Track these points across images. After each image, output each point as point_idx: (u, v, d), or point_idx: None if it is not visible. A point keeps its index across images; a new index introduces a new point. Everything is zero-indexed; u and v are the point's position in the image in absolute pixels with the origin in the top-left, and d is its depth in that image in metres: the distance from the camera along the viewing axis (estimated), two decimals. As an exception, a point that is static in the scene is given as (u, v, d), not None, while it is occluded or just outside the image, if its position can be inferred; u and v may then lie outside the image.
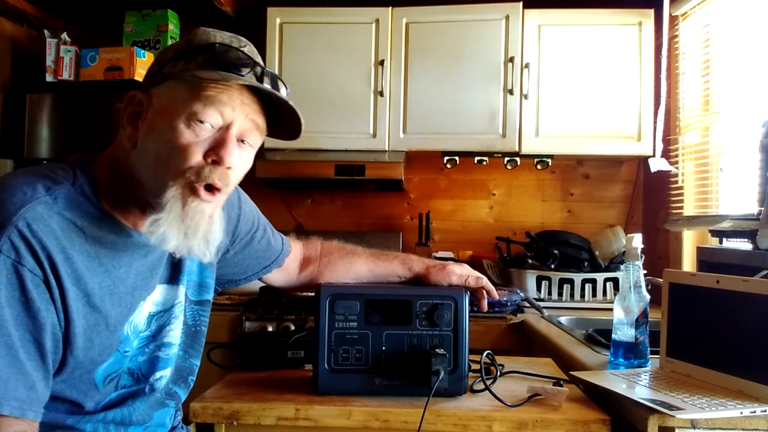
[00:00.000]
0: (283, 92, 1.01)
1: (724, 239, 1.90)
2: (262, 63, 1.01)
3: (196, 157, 0.93)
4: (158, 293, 1.08)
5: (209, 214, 0.97)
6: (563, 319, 2.15)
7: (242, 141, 0.99)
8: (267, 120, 1.02)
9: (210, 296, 1.21)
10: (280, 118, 1.03)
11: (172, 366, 1.12)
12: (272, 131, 1.05)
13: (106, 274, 0.97)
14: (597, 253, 2.57)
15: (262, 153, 2.66)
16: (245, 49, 0.99)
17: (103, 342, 0.98)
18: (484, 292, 1.33)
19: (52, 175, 0.95)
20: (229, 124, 0.95)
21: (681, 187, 2.56)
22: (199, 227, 0.96)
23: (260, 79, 0.98)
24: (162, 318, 1.10)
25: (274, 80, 1.00)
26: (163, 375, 1.11)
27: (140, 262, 1.03)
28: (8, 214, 0.87)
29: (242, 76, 0.95)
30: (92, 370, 0.99)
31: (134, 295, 1.03)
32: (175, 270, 1.11)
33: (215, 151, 0.94)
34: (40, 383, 0.90)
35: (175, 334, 1.12)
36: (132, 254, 1.01)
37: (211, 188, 0.95)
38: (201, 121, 0.93)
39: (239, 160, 0.98)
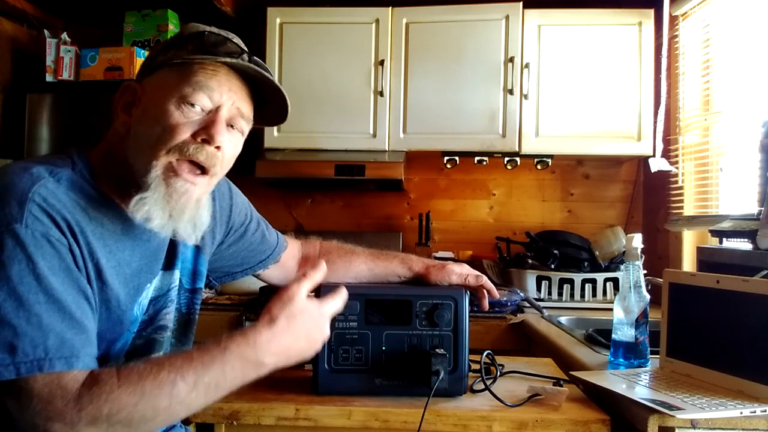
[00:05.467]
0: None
1: (724, 239, 1.90)
2: (249, 52, 1.03)
3: (183, 135, 0.96)
4: (157, 278, 1.11)
5: (196, 197, 1.00)
6: (563, 319, 2.15)
7: (231, 126, 1.02)
8: (255, 107, 1.05)
9: (202, 284, 1.23)
10: (268, 105, 1.07)
11: (166, 350, 1.15)
12: (260, 118, 1.09)
13: (111, 255, 0.99)
14: (597, 253, 2.57)
15: (262, 153, 2.67)
16: (234, 40, 1.02)
17: (115, 319, 1.01)
18: (485, 292, 1.34)
19: (51, 161, 0.98)
20: (219, 106, 0.99)
21: (681, 187, 2.56)
22: (184, 210, 0.98)
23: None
24: (159, 302, 1.12)
25: (262, 67, 1.03)
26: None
27: (143, 246, 1.05)
28: (22, 192, 0.89)
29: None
30: (105, 348, 1.01)
31: (140, 277, 1.05)
32: (170, 255, 1.13)
33: (205, 131, 0.97)
34: (95, 337, 0.94)
35: (169, 317, 1.14)
36: (134, 239, 1.03)
37: (202, 169, 0.98)
38: (191, 104, 0.97)
39: (229, 143, 1.01)
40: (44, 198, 0.90)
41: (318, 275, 1.06)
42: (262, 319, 0.97)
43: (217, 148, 0.98)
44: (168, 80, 0.98)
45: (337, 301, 1.07)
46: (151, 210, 0.95)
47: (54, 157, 1.00)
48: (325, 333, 1.04)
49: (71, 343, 0.87)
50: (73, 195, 0.95)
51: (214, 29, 1.02)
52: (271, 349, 0.96)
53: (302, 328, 0.99)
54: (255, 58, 1.03)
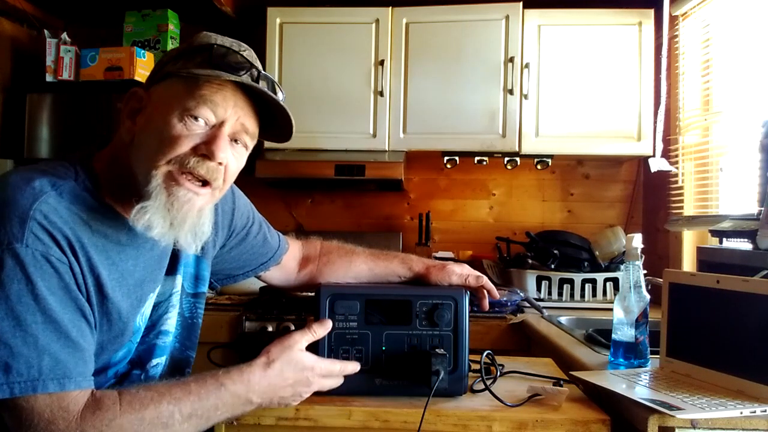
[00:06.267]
0: (279, 95, 1.03)
1: (724, 239, 1.90)
2: (260, 67, 1.02)
3: (183, 148, 0.96)
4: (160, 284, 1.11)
5: (198, 207, 0.99)
6: (563, 319, 2.15)
7: (235, 141, 1.01)
8: (261, 123, 1.04)
9: (205, 289, 1.23)
10: (275, 121, 1.06)
11: (167, 355, 1.15)
12: (265, 133, 1.08)
13: (113, 266, 0.99)
14: (597, 253, 2.57)
15: (262, 153, 2.67)
16: (244, 53, 1.01)
17: (116, 331, 1.01)
18: (485, 292, 1.34)
19: (54, 171, 0.97)
20: (222, 122, 0.98)
21: (681, 187, 2.56)
22: (185, 219, 0.97)
23: (256, 81, 1.00)
24: (161, 307, 1.12)
25: (271, 84, 1.02)
26: (159, 362, 1.13)
27: (147, 255, 1.05)
28: (24, 209, 0.89)
29: (238, 76, 0.97)
30: (107, 359, 1.02)
31: (143, 287, 1.05)
32: (172, 261, 1.13)
33: (206, 146, 0.96)
34: (92, 356, 0.95)
35: (171, 322, 1.14)
36: (137, 248, 1.03)
37: (203, 181, 0.98)
38: (194, 117, 0.96)
39: (232, 158, 1.01)
40: (45, 215, 0.90)
41: (321, 332, 1.12)
42: (259, 359, 1.03)
43: (219, 163, 0.98)
44: (174, 91, 0.97)
45: (334, 366, 1.11)
46: (151, 218, 0.95)
47: (57, 165, 0.99)
48: (310, 390, 1.08)
49: (65, 365, 0.88)
50: (75, 208, 0.95)
51: (226, 41, 1.01)
52: (261, 388, 1.01)
53: (291, 377, 1.04)
54: (264, 73, 1.02)
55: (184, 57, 0.99)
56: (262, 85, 1.00)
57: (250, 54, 1.02)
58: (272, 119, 1.06)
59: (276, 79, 2.67)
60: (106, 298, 0.98)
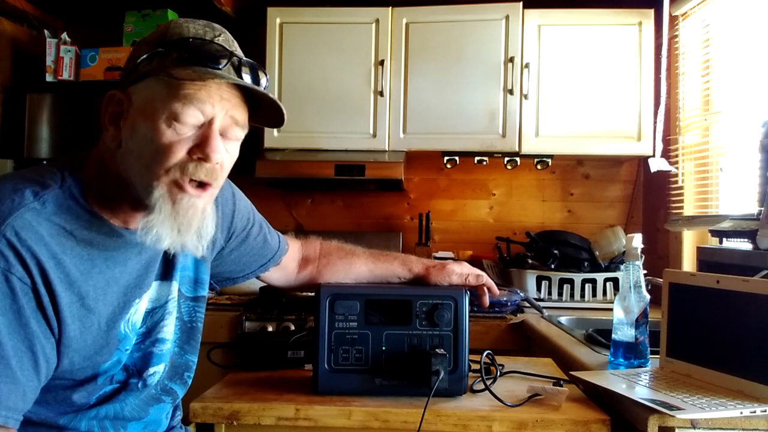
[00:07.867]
0: (262, 80, 1.00)
1: (724, 239, 1.90)
2: (238, 52, 1.00)
3: (179, 155, 0.93)
4: (152, 290, 1.08)
5: (201, 209, 0.98)
6: (563, 319, 2.15)
7: (226, 134, 0.98)
8: (250, 108, 1.01)
9: (205, 292, 1.21)
10: (262, 105, 1.02)
11: (166, 362, 1.12)
12: (256, 119, 1.04)
13: (100, 275, 0.97)
14: (597, 253, 2.57)
15: (262, 153, 2.67)
16: (220, 39, 0.97)
17: (97, 341, 0.98)
18: (485, 289, 1.34)
19: (40, 179, 0.95)
20: (211, 119, 0.94)
21: (681, 187, 2.56)
22: (192, 223, 0.96)
23: (238, 69, 0.97)
24: (156, 314, 1.10)
25: (253, 68, 0.99)
26: (157, 371, 1.11)
27: (135, 260, 1.03)
28: None
29: (219, 69, 0.94)
30: (94, 369, 1.00)
31: (127, 293, 1.03)
32: (167, 266, 1.11)
33: (200, 149, 0.94)
34: (30, 393, 0.90)
35: (168, 329, 1.12)
36: (125, 253, 1.01)
37: (202, 185, 0.96)
38: (182, 120, 0.93)
39: (225, 154, 0.98)
40: (17, 232, 0.87)
41: None
42: None
43: (216, 163, 0.95)
44: (155, 93, 0.93)
45: None
46: (159, 232, 0.93)
47: (45, 171, 0.97)
48: None
49: None
50: (58, 219, 0.92)
51: (199, 29, 0.97)
52: None
53: None
54: (245, 59, 0.99)
55: (159, 54, 0.95)
56: (244, 71, 0.97)
57: (225, 38, 0.99)
58: (259, 103, 1.02)
59: (276, 80, 2.68)
60: (89, 310, 0.95)
